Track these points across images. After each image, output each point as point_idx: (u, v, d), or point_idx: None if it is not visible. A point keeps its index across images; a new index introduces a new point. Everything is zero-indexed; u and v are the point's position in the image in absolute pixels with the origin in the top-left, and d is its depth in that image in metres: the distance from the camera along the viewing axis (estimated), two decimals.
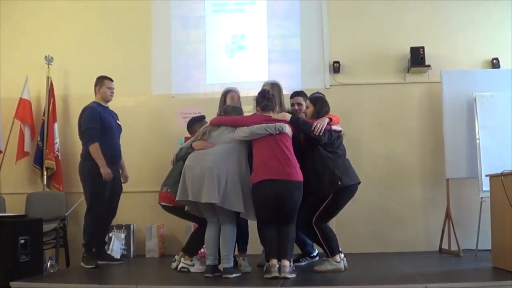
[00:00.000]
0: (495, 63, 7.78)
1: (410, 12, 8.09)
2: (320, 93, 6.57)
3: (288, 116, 5.76)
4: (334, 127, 5.91)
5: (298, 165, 5.57)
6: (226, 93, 6.69)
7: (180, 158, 6.06)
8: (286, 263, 5.42)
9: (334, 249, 5.80)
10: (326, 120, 5.83)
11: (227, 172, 5.54)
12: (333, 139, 5.88)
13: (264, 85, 6.47)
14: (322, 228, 5.81)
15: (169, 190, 6.12)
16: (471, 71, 7.59)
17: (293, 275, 5.43)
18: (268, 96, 5.85)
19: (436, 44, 7.90)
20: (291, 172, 5.49)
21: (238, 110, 6.06)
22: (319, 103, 6.06)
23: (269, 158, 5.51)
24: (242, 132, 5.66)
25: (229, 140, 5.68)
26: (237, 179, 5.57)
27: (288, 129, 5.63)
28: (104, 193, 6.66)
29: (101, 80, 6.92)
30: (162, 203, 6.24)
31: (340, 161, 5.85)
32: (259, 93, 5.94)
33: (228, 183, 5.51)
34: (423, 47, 7.73)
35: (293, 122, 5.72)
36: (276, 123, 5.60)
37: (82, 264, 6.58)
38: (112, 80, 6.96)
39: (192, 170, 5.62)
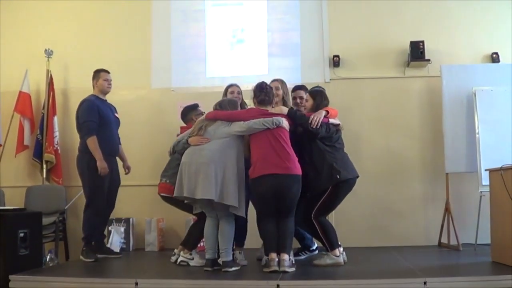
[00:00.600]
0: (495, 58, 7.77)
1: (410, 6, 8.08)
2: (321, 87, 6.57)
3: (285, 110, 5.75)
4: (332, 120, 5.90)
5: (296, 159, 5.56)
6: (227, 88, 6.65)
7: (178, 153, 6.05)
8: (285, 257, 5.42)
9: (333, 243, 5.81)
10: (323, 113, 5.83)
11: (225, 168, 5.53)
12: (332, 132, 5.87)
13: (272, 82, 6.44)
14: (321, 222, 5.81)
15: (168, 181, 6.16)
16: (471, 65, 7.59)
17: (293, 269, 5.44)
18: (266, 90, 5.80)
19: (436, 38, 7.89)
20: (290, 166, 5.47)
21: (234, 104, 6.01)
22: (319, 97, 6.06)
23: (267, 153, 5.50)
24: (239, 127, 5.63)
25: (225, 134, 5.64)
26: (235, 175, 5.55)
27: (285, 123, 5.61)
28: (102, 186, 6.66)
29: (98, 73, 6.92)
30: (162, 194, 6.27)
31: (338, 154, 5.85)
32: (257, 86, 5.87)
33: (225, 179, 5.50)
34: (423, 41, 7.72)
35: (290, 116, 5.71)
36: (273, 117, 5.58)
37: (81, 257, 6.58)
38: (108, 72, 6.96)
39: (188, 166, 5.62)
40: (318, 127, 5.71)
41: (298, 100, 6.50)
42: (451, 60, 7.72)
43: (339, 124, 6.02)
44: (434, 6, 8.01)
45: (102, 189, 6.67)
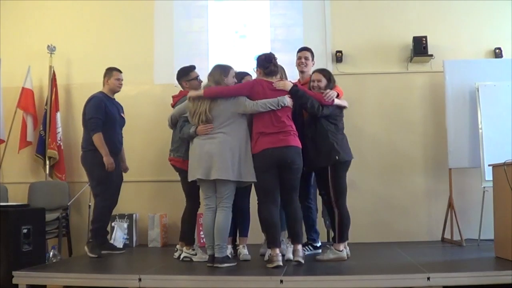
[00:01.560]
0: (497, 53, 7.77)
1: (413, 1, 8.07)
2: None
3: (288, 86, 5.70)
4: (338, 102, 5.93)
5: (297, 134, 5.65)
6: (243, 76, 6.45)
7: (181, 139, 6.04)
8: (299, 247, 5.52)
9: (344, 236, 5.84)
10: (335, 93, 5.89)
11: (240, 147, 5.57)
12: (336, 112, 5.95)
13: None
14: (342, 211, 5.82)
15: (174, 155, 6.27)
16: (474, 60, 7.58)
17: (303, 260, 5.50)
18: (274, 61, 5.77)
19: (439, 33, 7.89)
20: (290, 139, 5.55)
21: (224, 69, 5.85)
22: (328, 76, 6.08)
23: (270, 130, 5.55)
24: (244, 108, 5.62)
25: (231, 114, 5.62)
26: (248, 152, 5.60)
27: (289, 102, 5.64)
28: (111, 178, 6.71)
29: (110, 71, 6.93)
30: (173, 164, 6.36)
31: (339, 135, 5.89)
32: (265, 57, 5.82)
33: (241, 158, 5.56)
34: (425, 37, 7.71)
35: (292, 94, 5.69)
36: (278, 98, 5.58)
37: (86, 249, 6.60)
38: (121, 72, 6.97)
39: (200, 148, 5.62)
40: (331, 101, 5.80)
41: (303, 60, 6.54)
42: (454, 55, 7.71)
43: (345, 107, 6.05)
44: (437, 2, 8.00)
45: (110, 181, 6.73)
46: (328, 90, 5.84)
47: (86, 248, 6.62)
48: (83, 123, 6.80)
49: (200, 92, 5.72)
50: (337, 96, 5.93)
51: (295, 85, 5.77)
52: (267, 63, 5.77)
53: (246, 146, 5.62)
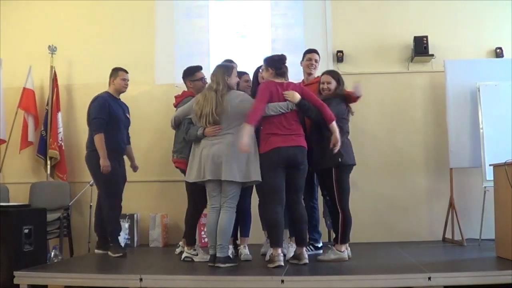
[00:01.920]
0: (498, 53, 7.77)
1: (413, 1, 8.07)
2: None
3: (297, 99, 5.64)
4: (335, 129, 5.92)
5: (303, 135, 5.70)
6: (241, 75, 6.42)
7: (186, 140, 6.03)
8: (304, 250, 5.62)
9: (345, 237, 5.85)
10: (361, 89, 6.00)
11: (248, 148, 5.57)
12: (343, 115, 5.98)
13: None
14: (346, 213, 5.83)
15: (177, 156, 6.26)
16: (475, 60, 7.58)
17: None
18: (285, 63, 5.82)
19: (440, 33, 7.89)
20: (298, 139, 5.60)
21: (228, 69, 5.80)
22: (338, 79, 6.12)
23: (281, 132, 5.56)
24: None
25: (239, 116, 5.58)
26: (256, 153, 5.61)
27: None
28: (115, 177, 6.69)
29: (116, 72, 6.91)
30: (177, 167, 6.36)
31: (344, 138, 5.88)
32: (279, 58, 5.84)
33: (249, 159, 5.56)
34: (426, 37, 7.72)
35: (299, 107, 5.67)
36: (288, 102, 5.60)
37: (109, 253, 6.60)
38: (127, 72, 6.96)
39: (209, 149, 5.61)
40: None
41: (313, 62, 6.54)
42: (455, 55, 7.71)
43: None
44: (438, 1, 8.01)
45: (116, 181, 6.72)
46: (357, 84, 5.97)
47: (109, 253, 6.61)
48: (88, 123, 6.80)
49: (247, 130, 5.40)
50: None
51: (302, 98, 5.75)
52: (279, 64, 5.79)
53: (254, 147, 5.60)
